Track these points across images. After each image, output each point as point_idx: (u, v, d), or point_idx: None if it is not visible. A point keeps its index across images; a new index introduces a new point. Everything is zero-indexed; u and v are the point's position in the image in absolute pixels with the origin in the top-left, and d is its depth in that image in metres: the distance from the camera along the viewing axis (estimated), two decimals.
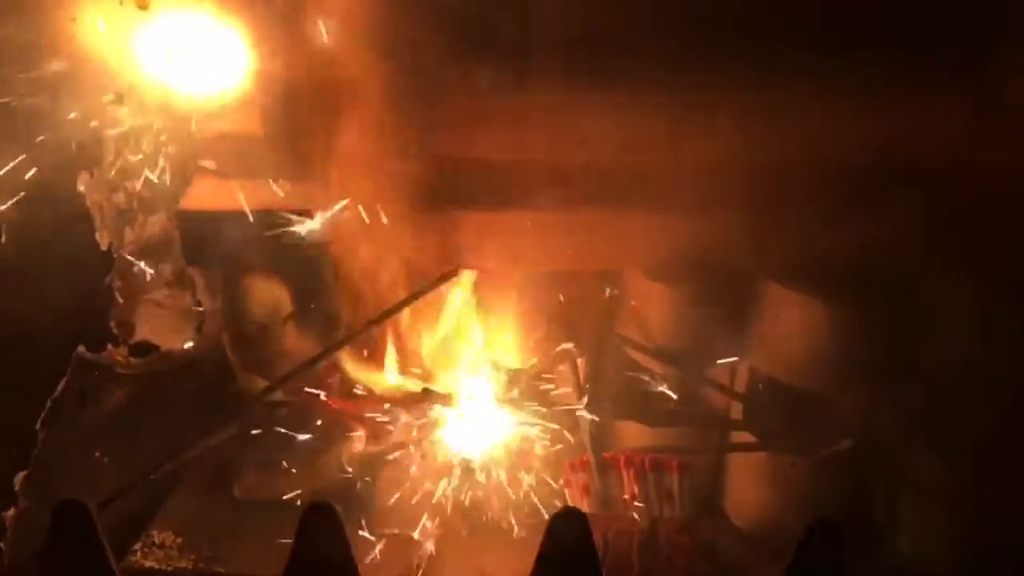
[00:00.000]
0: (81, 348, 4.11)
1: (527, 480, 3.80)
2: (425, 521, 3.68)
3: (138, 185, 4.08)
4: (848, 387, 3.70)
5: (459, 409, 3.94)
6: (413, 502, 3.75)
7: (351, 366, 4.12)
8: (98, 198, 4.06)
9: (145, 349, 4.27)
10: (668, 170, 3.63)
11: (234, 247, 4.00)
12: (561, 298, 4.07)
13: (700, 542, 3.58)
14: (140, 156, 4.03)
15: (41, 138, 3.79)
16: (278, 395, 4.00)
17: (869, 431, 3.64)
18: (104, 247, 4.15)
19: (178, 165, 4.08)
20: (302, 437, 3.90)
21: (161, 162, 4.05)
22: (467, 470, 3.82)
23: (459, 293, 4.15)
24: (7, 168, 3.71)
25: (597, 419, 3.79)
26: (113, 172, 4.03)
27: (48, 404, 3.97)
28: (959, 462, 3.50)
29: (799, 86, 3.48)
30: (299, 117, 3.83)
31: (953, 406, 3.48)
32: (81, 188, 4.03)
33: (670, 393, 3.90)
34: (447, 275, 4.00)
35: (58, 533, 2.50)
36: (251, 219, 3.87)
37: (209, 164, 4.11)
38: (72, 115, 3.83)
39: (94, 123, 3.90)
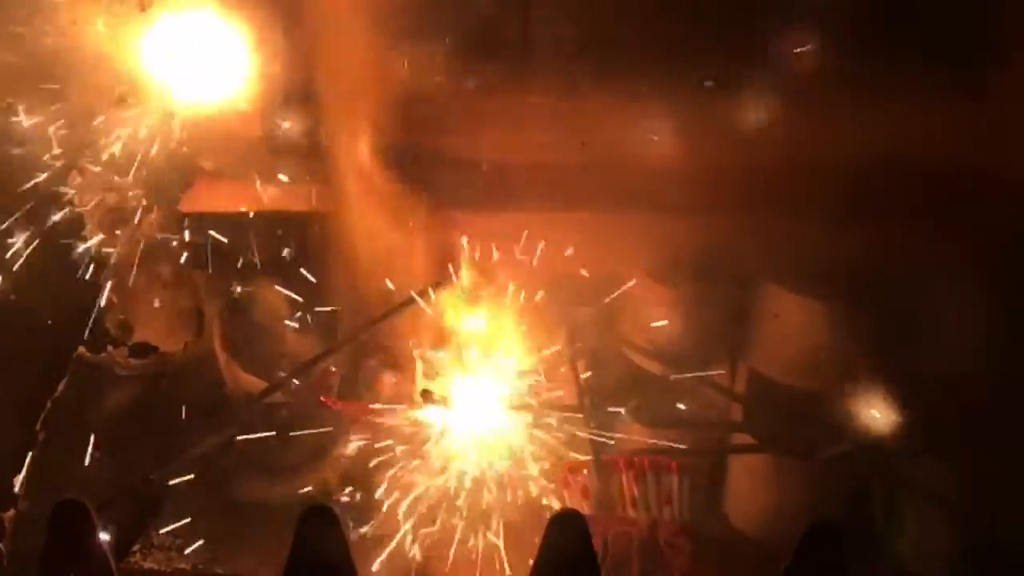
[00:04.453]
0: (81, 349, 4.11)
1: (526, 481, 3.80)
2: (424, 523, 3.68)
3: (134, 185, 4.08)
4: (848, 389, 3.69)
5: (458, 411, 3.94)
6: (412, 504, 3.74)
7: (350, 368, 4.12)
8: (89, 198, 4.06)
9: (145, 350, 4.27)
10: (669, 172, 3.63)
11: (233, 248, 4.00)
12: (561, 300, 4.06)
13: (699, 544, 3.58)
14: (137, 157, 4.04)
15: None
16: (277, 396, 3.99)
17: (869, 433, 3.64)
18: (95, 248, 4.15)
19: (177, 166, 4.09)
20: (301, 439, 3.90)
21: (160, 163, 4.05)
22: (466, 472, 3.81)
23: (459, 295, 4.15)
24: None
25: (596, 421, 3.79)
26: (108, 172, 4.03)
27: (48, 405, 3.97)
28: (958, 464, 3.50)
29: (802, 89, 3.49)
30: (298, 119, 3.85)
31: (953, 408, 3.48)
32: (72, 188, 4.03)
33: (670, 395, 3.91)
34: (447, 277, 4.00)
35: (57, 534, 2.50)
36: (250, 220, 3.87)
37: (208, 165, 4.11)
38: (70, 116, 3.84)
39: (91, 123, 3.90)
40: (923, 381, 3.57)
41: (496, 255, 3.90)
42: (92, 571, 2.51)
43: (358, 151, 3.83)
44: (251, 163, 4.04)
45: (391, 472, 3.85)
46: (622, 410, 3.91)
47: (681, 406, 3.91)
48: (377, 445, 3.96)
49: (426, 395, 3.97)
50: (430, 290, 3.99)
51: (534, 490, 3.78)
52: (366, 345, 4.11)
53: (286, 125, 3.95)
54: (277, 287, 4.18)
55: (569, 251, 3.87)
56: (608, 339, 4.01)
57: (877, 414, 3.63)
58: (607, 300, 4.07)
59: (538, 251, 3.89)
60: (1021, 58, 3.46)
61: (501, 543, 3.65)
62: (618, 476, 3.73)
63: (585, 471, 3.76)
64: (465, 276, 4.06)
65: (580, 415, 3.83)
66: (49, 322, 3.96)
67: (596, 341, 4.02)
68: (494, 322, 4.13)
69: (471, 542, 3.69)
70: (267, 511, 3.73)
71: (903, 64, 3.51)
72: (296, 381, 3.98)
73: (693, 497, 3.73)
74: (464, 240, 3.91)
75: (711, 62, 3.63)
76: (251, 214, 3.93)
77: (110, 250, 4.19)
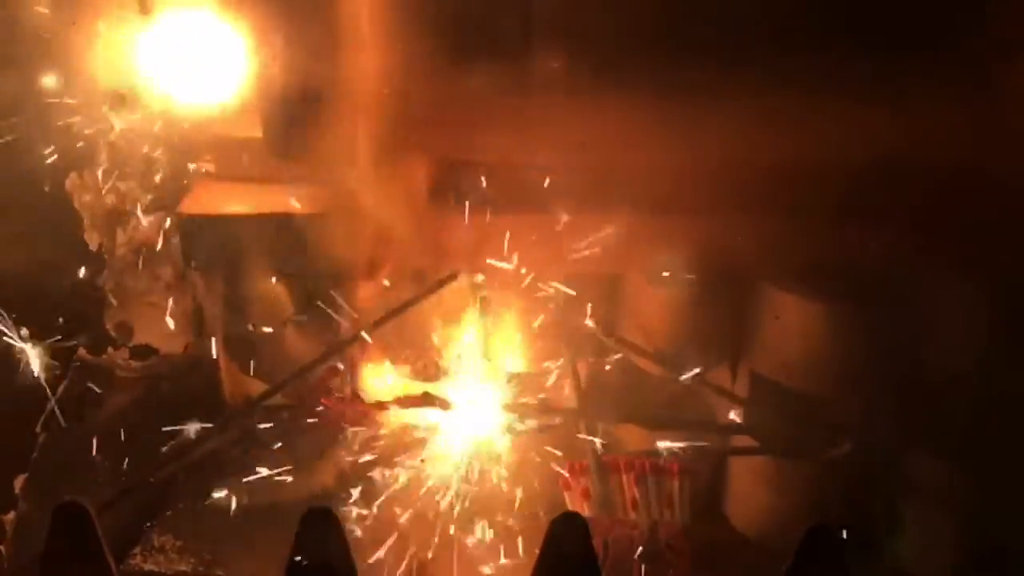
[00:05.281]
0: (82, 350, 4.11)
1: (527, 483, 3.79)
2: (423, 523, 3.67)
3: (133, 187, 4.09)
4: (848, 390, 3.69)
5: (459, 412, 3.94)
6: (411, 504, 3.74)
7: (351, 370, 4.12)
8: (88, 199, 4.06)
9: (145, 352, 4.27)
10: (669, 173, 3.63)
11: (234, 250, 4.00)
12: (561, 301, 4.06)
13: (700, 546, 3.57)
14: (137, 158, 4.04)
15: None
16: (278, 398, 3.99)
17: (869, 434, 3.64)
18: (94, 248, 4.14)
19: (176, 168, 4.09)
20: (301, 440, 3.90)
21: (158, 164, 4.06)
22: (466, 473, 3.81)
23: (460, 296, 4.15)
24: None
25: (596, 423, 3.79)
26: (107, 174, 4.04)
27: (48, 406, 3.97)
28: (959, 464, 3.50)
29: (802, 89, 3.49)
30: (299, 120, 3.84)
31: (953, 409, 3.48)
32: (72, 189, 4.03)
33: (670, 396, 3.91)
34: (448, 278, 4.00)
35: (58, 535, 2.50)
36: (251, 222, 3.87)
37: (208, 167, 4.12)
38: (70, 116, 3.85)
39: (90, 125, 3.91)
40: (923, 382, 3.57)
41: (495, 256, 3.91)
42: (92, 573, 2.51)
43: (358, 152, 3.83)
44: (251, 164, 4.04)
45: (391, 473, 3.86)
46: (622, 411, 3.92)
47: (681, 408, 3.90)
48: (377, 446, 3.97)
49: (426, 397, 3.97)
50: (432, 290, 3.99)
51: (535, 492, 3.78)
52: (366, 347, 4.10)
53: (286, 126, 3.95)
54: (277, 288, 4.18)
55: (570, 252, 3.87)
56: (608, 341, 4.01)
57: (877, 415, 3.63)
58: (607, 301, 4.07)
59: (539, 252, 3.90)
60: (1021, 58, 3.46)
61: (500, 545, 3.65)
62: (619, 478, 3.73)
63: (586, 473, 3.75)
64: (465, 278, 4.06)
65: (580, 417, 3.83)
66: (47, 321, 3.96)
67: (596, 343, 4.02)
68: (494, 324, 4.13)
69: (470, 543, 3.69)
70: (267, 513, 3.73)
71: (903, 64, 3.51)
72: (296, 383, 3.98)
73: (694, 499, 3.72)
74: (465, 241, 3.92)
75: (711, 62, 3.62)
76: (251, 215, 3.92)
77: (106, 250, 4.19)
